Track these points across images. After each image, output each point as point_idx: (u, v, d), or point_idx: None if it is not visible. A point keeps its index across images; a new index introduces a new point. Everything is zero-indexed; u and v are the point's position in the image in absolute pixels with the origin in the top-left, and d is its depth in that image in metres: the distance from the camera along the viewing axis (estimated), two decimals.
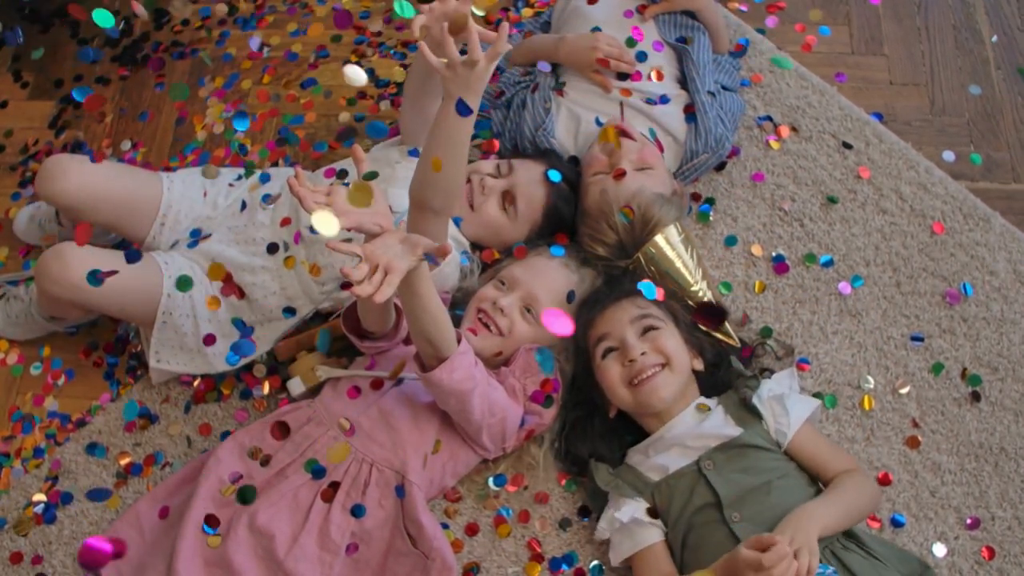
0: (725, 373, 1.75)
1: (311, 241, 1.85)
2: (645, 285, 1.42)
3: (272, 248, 1.87)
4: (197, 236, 1.93)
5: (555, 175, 1.85)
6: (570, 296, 1.78)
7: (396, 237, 1.40)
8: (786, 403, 1.65)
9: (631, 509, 1.62)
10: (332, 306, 1.90)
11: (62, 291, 1.73)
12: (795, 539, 1.42)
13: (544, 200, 1.88)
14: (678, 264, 1.82)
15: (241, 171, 2.04)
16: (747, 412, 1.65)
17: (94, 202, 1.85)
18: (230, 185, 2.00)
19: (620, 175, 1.82)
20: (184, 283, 1.65)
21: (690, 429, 1.65)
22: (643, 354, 1.66)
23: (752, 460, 1.60)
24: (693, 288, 1.82)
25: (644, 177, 1.85)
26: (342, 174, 1.88)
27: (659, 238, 1.80)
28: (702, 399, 1.69)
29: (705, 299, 1.83)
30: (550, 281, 1.79)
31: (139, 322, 1.84)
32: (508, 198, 1.89)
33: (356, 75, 1.45)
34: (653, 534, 1.61)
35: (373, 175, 1.47)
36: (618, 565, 1.67)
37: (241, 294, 1.85)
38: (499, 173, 1.92)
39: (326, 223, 1.32)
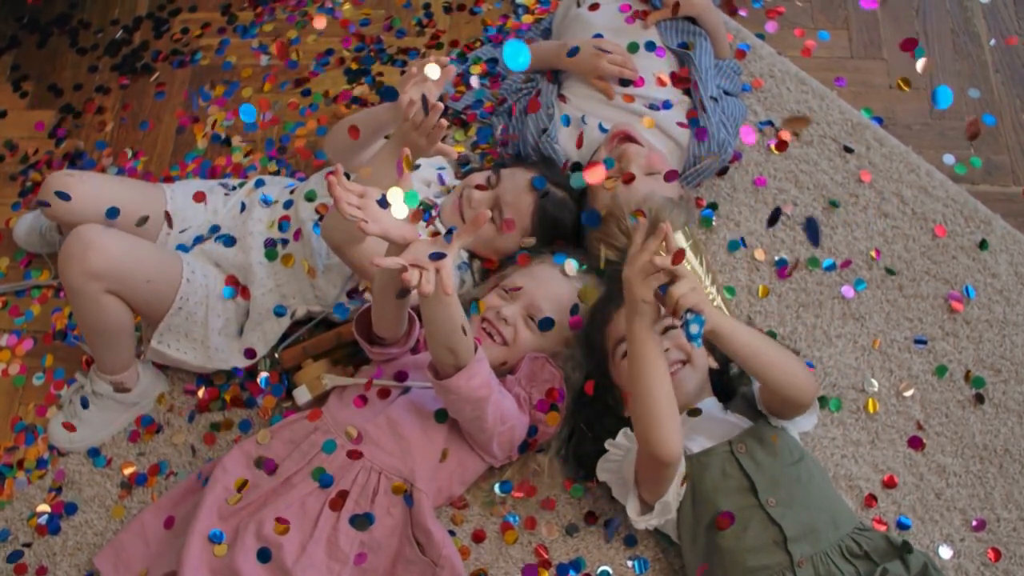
0: (732, 378, 1.75)
1: (308, 237, 1.86)
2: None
3: (270, 244, 1.88)
4: (199, 241, 1.95)
5: (540, 182, 1.86)
6: (574, 309, 1.78)
7: (426, 244, 1.44)
8: None
9: None
10: (324, 309, 1.90)
11: (93, 267, 1.69)
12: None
13: (532, 207, 1.89)
14: (688, 268, 1.82)
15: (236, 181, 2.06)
16: (752, 406, 1.66)
17: (98, 217, 1.85)
18: (225, 195, 2.02)
19: (629, 179, 1.83)
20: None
21: (711, 417, 1.65)
22: (666, 350, 1.66)
23: (777, 443, 1.60)
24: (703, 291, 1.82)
25: (653, 182, 1.85)
26: None
27: None
28: (713, 399, 1.70)
29: (714, 303, 1.83)
30: (553, 289, 1.80)
31: (153, 315, 1.83)
32: (496, 209, 1.89)
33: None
34: None
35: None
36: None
37: (247, 294, 1.86)
38: (488, 185, 1.92)
39: None
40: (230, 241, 1.91)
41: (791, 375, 1.54)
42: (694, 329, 1.42)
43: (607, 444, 1.66)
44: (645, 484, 1.59)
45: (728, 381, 1.74)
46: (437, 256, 1.40)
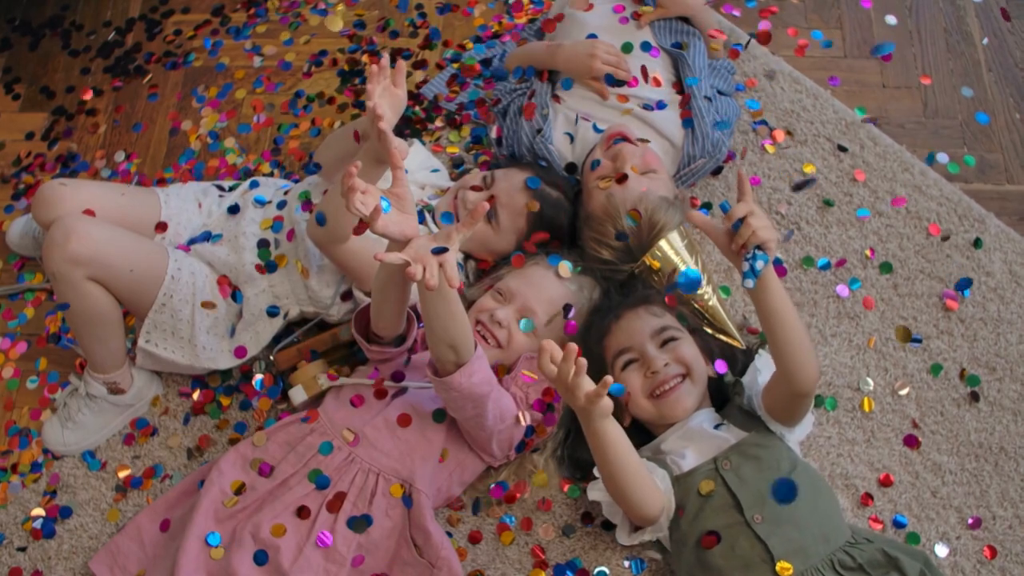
0: (727, 386, 1.74)
1: (301, 238, 1.85)
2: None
3: (263, 244, 1.87)
4: (193, 243, 1.94)
5: (534, 182, 1.86)
6: (567, 309, 1.78)
7: (427, 239, 1.43)
8: (757, 377, 1.66)
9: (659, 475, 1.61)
10: (317, 310, 1.90)
11: (74, 253, 1.69)
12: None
13: (526, 208, 1.89)
14: (682, 268, 1.82)
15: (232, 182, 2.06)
16: (747, 415, 1.66)
17: None
18: (220, 196, 2.01)
19: (624, 179, 1.83)
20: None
21: (702, 430, 1.64)
22: (666, 365, 1.66)
23: (766, 457, 1.59)
24: (699, 291, 1.82)
25: (648, 181, 1.86)
26: None
27: (663, 242, 1.80)
28: (709, 410, 1.70)
29: (711, 303, 1.83)
30: (547, 292, 1.79)
31: (139, 307, 1.82)
32: (491, 209, 1.89)
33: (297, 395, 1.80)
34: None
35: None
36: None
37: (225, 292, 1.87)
38: (483, 185, 1.92)
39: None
40: (220, 241, 1.91)
41: (806, 351, 1.52)
42: (759, 265, 1.42)
43: (595, 471, 1.65)
44: (636, 521, 1.61)
45: (723, 388, 1.74)
46: (440, 251, 1.40)
